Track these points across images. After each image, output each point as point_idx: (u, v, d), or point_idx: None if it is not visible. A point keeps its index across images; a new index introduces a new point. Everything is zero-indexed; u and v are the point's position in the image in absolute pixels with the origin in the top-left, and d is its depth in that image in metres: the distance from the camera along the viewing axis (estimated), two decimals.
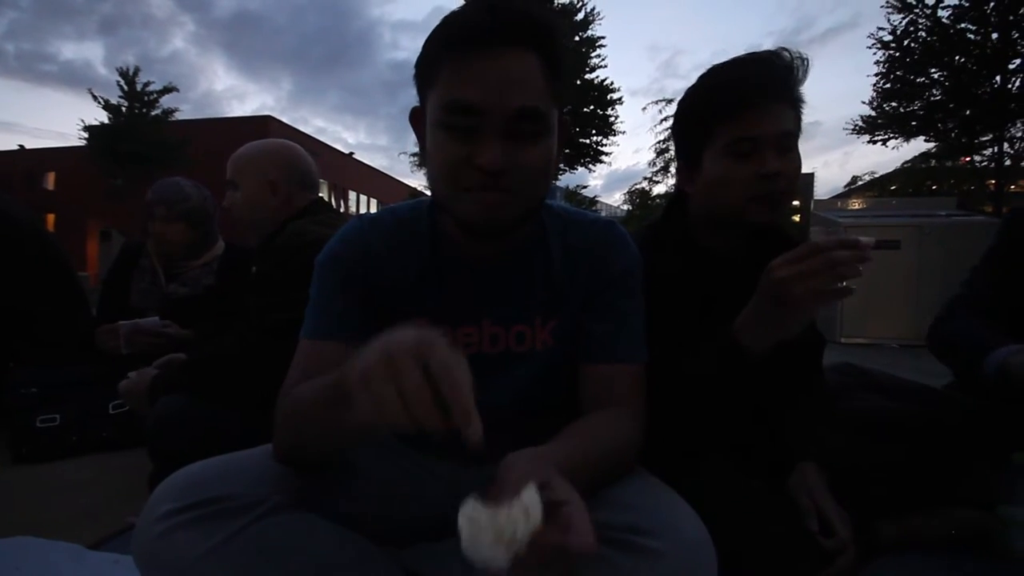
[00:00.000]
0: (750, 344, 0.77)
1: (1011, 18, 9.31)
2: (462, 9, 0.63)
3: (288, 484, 0.61)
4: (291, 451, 0.62)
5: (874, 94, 11.27)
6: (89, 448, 1.64)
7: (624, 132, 17.33)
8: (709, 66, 0.95)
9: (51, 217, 22.96)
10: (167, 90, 18.51)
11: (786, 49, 0.88)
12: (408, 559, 0.68)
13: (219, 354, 1.18)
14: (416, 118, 0.71)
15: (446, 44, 0.62)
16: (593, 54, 15.37)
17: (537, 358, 0.74)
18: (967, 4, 9.63)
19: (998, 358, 0.98)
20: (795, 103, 0.89)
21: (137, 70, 17.94)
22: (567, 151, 14.88)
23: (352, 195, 29.52)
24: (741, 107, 0.86)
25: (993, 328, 1.06)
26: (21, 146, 26.72)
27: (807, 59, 0.88)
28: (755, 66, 0.88)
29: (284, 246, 1.19)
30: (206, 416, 1.08)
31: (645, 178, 16.65)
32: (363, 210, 29.52)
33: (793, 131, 0.88)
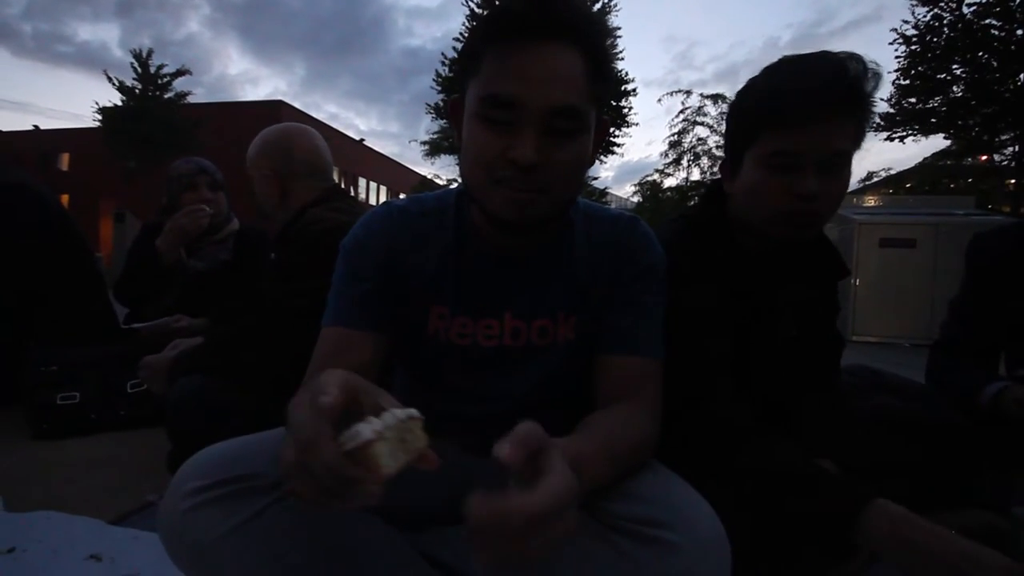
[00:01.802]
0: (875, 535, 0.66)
1: None
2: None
3: None
4: None
5: (894, 90, 11.07)
6: (107, 426, 1.67)
7: (637, 124, 17.16)
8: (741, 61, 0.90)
9: (65, 198, 23.22)
10: (180, 73, 18.59)
11: (858, 57, 0.78)
12: (425, 543, 0.69)
13: (237, 337, 1.19)
14: (454, 108, 0.71)
15: (488, 35, 0.62)
16: (615, 58, 15.26)
17: (558, 351, 0.74)
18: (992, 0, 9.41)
19: (988, 395, 1.11)
20: (857, 118, 0.80)
21: (151, 52, 18.04)
22: None
23: (362, 182, 29.55)
24: (788, 118, 0.78)
25: (972, 369, 1.19)
26: (36, 126, 26.95)
27: (880, 73, 0.79)
28: (816, 74, 0.77)
29: (301, 234, 1.20)
30: (225, 397, 1.10)
31: (657, 170, 16.44)
32: (372, 197, 29.57)
33: (845, 150, 0.80)
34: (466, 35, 0.76)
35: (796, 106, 0.77)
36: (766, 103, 0.80)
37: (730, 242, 0.92)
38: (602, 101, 0.67)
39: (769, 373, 0.94)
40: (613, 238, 0.75)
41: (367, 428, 0.39)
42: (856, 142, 0.81)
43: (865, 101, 0.79)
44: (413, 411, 0.42)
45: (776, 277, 0.92)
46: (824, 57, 0.79)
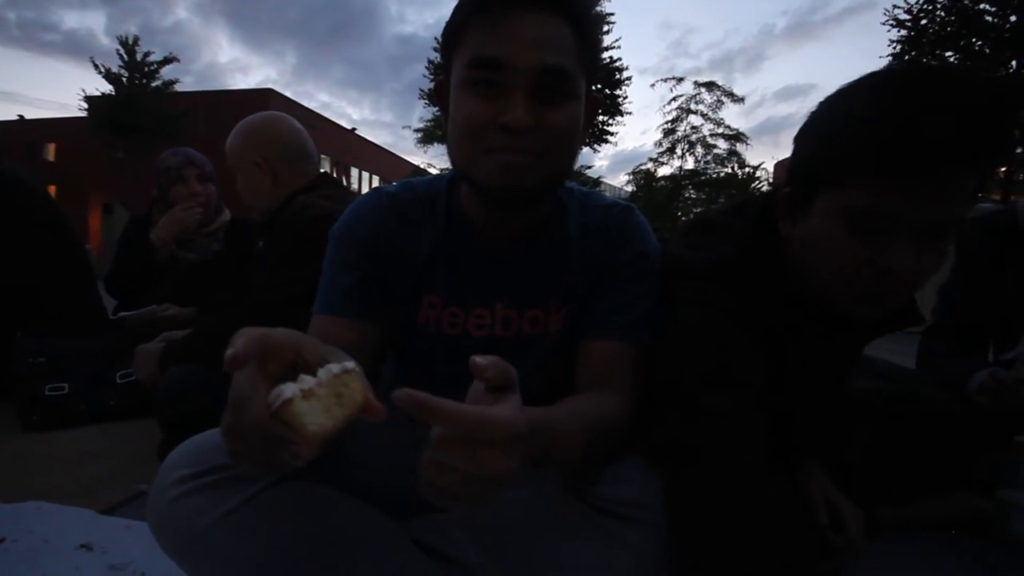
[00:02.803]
0: None
1: None
2: None
3: None
4: None
5: None
6: (97, 417, 1.66)
7: (631, 113, 17.12)
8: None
9: (52, 189, 22.88)
10: (167, 61, 18.31)
11: (1003, 90, 0.55)
12: (415, 530, 0.69)
13: (227, 325, 1.18)
14: (440, 90, 0.69)
15: (473, 8, 0.61)
16: (601, 31, 15.10)
17: (549, 342, 0.73)
18: None
19: (974, 384, 1.08)
20: (983, 173, 0.60)
21: (136, 39, 17.73)
22: None
23: (354, 172, 29.31)
24: (895, 170, 0.56)
25: (962, 355, 1.18)
26: (21, 116, 26.48)
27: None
28: (952, 114, 0.54)
29: (290, 221, 1.19)
30: (216, 385, 1.09)
31: (651, 159, 16.41)
32: (364, 187, 29.37)
33: (959, 216, 0.59)
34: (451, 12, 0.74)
35: (914, 156, 0.55)
36: (866, 142, 0.57)
37: (780, 286, 0.72)
38: (591, 73, 0.65)
39: (791, 402, 0.81)
40: (606, 226, 0.74)
41: (292, 387, 0.38)
42: (972, 203, 0.62)
43: (1004, 154, 0.58)
44: (348, 364, 0.40)
45: (826, 328, 0.75)
46: (958, 85, 0.55)
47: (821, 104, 0.67)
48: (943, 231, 0.60)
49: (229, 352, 0.39)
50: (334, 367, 0.40)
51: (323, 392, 0.38)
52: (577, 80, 0.62)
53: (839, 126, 0.62)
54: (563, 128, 0.62)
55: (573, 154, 0.66)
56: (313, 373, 0.40)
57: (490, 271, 0.72)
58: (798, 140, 0.70)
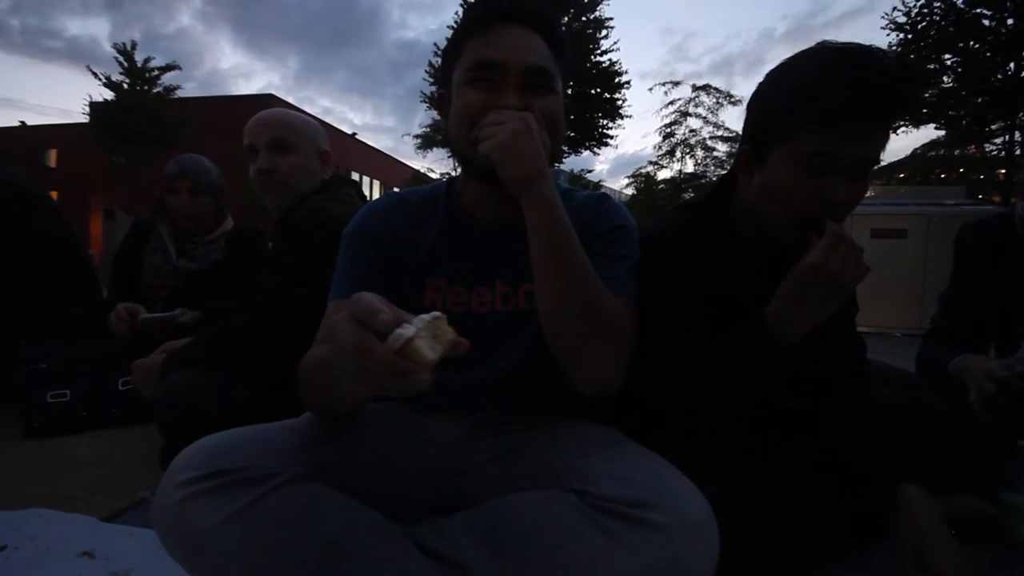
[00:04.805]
0: (787, 331, 0.78)
1: None
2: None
3: (303, 457, 0.62)
4: (313, 406, 0.69)
5: None
6: (98, 423, 1.66)
7: (631, 116, 17.19)
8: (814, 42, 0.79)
9: (54, 194, 22.79)
10: (169, 67, 18.31)
11: (911, 63, 0.76)
12: (418, 534, 0.69)
13: (231, 330, 1.19)
14: (441, 102, 0.84)
15: (471, 24, 0.78)
16: (600, 35, 15.15)
17: None
18: None
19: (950, 369, 1.12)
20: (891, 125, 0.77)
21: (135, 45, 17.71)
22: (571, 134, 14.89)
23: (355, 177, 29.37)
24: (834, 120, 0.72)
25: (948, 349, 1.19)
26: (23, 122, 26.57)
27: (931, 79, 0.76)
28: (872, 77, 0.71)
29: (301, 223, 1.20)
30: (216, 391, 1.09)
31: (650, 162, 16.44)
32: (366, 192, 29.41)
33: (876, 158, 0.77)
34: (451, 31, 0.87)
35: (847, 109, 0.71)
36: (811, 101, 0.73)
37: (730, 238, 0.90)
38: (565, 78, 0.81)
39: None
40: (586, 208, 0.85)
41: (410, 328, 0.46)
42: (883, 149, 0.78)
43: (907, 107, 0.76)
44: (436, 312, 0.49)
45: (771, 275, 0.88)
46: (877, 57, 0.73)
47: (768, 75, 0.83)
48: (865, 169, 0.77)
49: (383, 317, 0.47)
50: (425, 316, 0.48)
51: (425, 333, 0.47)
52: (556, 77, 0.78)
53: (788, 92, 0.77)
54: (549, 109, 0.76)
55: (559, 138, 0.78)
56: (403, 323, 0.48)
57: (488, 254, 0.83)
58: (750, 107, 0.86)
